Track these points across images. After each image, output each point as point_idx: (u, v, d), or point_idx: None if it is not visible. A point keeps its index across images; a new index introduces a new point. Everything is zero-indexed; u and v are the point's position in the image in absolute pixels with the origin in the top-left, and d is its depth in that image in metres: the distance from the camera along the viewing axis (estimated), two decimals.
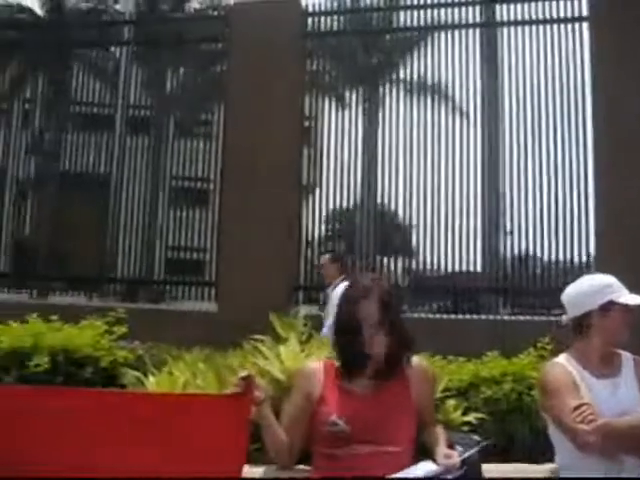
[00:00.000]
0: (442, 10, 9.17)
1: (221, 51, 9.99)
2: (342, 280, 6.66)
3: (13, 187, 10.66)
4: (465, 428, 3.19)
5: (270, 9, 9.01)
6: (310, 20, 9.41)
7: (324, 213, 9.48)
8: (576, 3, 8.58)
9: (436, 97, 9.34)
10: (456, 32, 9.13)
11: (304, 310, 7.66)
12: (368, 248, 9.38)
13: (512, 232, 8.81)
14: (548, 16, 8.74)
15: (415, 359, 2.79)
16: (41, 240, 10.50)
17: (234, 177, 8.89)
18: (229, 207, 8.92)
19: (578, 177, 8.41)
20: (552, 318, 7.70)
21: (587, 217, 8.29)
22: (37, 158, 10.92)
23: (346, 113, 9.50)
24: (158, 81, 10.75)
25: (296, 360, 3.08)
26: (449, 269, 8.97)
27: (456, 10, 9.11)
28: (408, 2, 9.33)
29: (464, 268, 8.96)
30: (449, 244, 8.83)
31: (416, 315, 8.36)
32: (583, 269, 8.16)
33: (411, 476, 2.49)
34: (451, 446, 2.65)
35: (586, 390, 2.74)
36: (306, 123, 9.42)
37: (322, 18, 9.48)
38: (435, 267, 9.06)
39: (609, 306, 2.82)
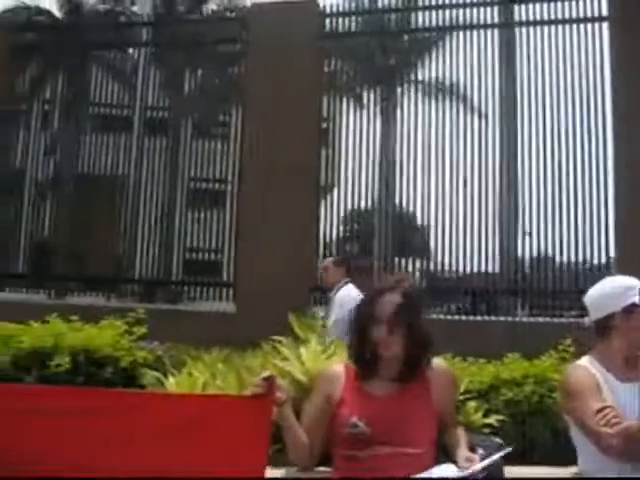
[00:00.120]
0: (460, 10, 9.14)
1: (238, 52, 10.00)
2: (345, 283, 6.65)
3: (32, 188, 10.72)
4: (486, 430, 3.16)
5: (288, 10, 9.02)
6: (328, 21, 9.41)
7: (341, 214, 9.47)
8: (595, 3, 8.53)
9: (454, 98, 9.32)
10: (474, 32, 9.09)
11: (322, 311, 7.64)
12: (386, 249, 9.37)
13: (531, 233, 8.76)
14: (567, 16, 8.69)
15: (436, 360, 2.76)
16: (59, 241, 10.56)
17: (252, 178, 8.90)
18: (247, 208, 8.94)
19: (598, 178, 8.36)
20: (571, 320, 7.67)
21: (607, 218, 8.23)
22: (55, 159, 10.97)
23: (364, 114, 9.48)
24: (176, 82, 10.78)
25: (317, 361, 3.06)
26: (467, 270, 8.93)
27: (474, 10, 9.08)
28: (426, 2, 9.30)
29: (482, 269, 8.91)
30: (467, 245, 8.79)
31: (434, 316, 8.33)
32: (603, 271, 8.09)
33: (434, 476, 2.47)
34: (472, 448, 2.63)
35: (609, 393, 2.71)
36: (324, 124, 9.41)
37: (340, 19, 9.48)
38: (452, 268, 9.03)
39: (632, 308, 2.79)
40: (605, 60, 8.40)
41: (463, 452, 2.57)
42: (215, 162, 10.32)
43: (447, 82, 9.36)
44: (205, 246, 10.14)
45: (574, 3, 8.64)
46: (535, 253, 8.83)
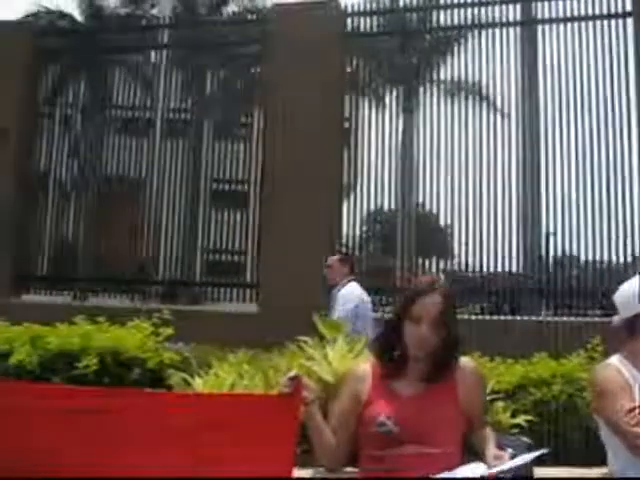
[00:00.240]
0: (482, 9, 9.10)
1: (260, 53, 10.02)
2: (349, 281, 6.65)
3: (55, 191, 10.80)
4: (514, 430, 3.14)
5: (309, 10, 9.03)
6: (349, 21, 9.41)
7: (364, 214, 9.46)
8: None
9: (475, 97, 9.27)
10: (496, 31, 9.05)
11: None
12: (409, 249, 9.34)
13: (555, 233, 8.70)
14: (590, 12, 8.62)
15: (463, 360, 2.75)
16: (82, 243, 10.63)
17: (274, 179, 8.92)
18: (269, 209, 8.95)
19: (622, 176, 8.29)
20: (596, 319, 7.62)
21: (632, 216, 8.17)
22: (79, 162, 11.05)
23: (385, 114, 9.46)
24: (197, 84, 10.81)
25: (344, 361, 3.06)
26: (490, 270, 8.88)
27: (496, 8, 9.04)
28: (447, 1, 9.27)
29: (505, 269, 8.86)
30: (491, 245, 8.75)
31: (457, 316, 8.26)
32: (628, 270, 8.02)
33: (459, 476, 2.46)
34: (501, 448, 2.61)
35: (639, 392, 2.69)
36: (346, 124, 9.40)
37: (361, 19, 9.48)
38: (474, 268, 8.98)
39: None
40: (630, 56, 8.32)
41: (492, 451, 2.55)
42: (237, 163, 10.33)
43: (469, 81, 9.31)
44: (228, 247, 10.16)
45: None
46: (560, 252, 8.77)
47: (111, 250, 10.57)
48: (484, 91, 9.25)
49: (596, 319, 7.70)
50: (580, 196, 8.49)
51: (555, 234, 8.67)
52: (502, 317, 8.51)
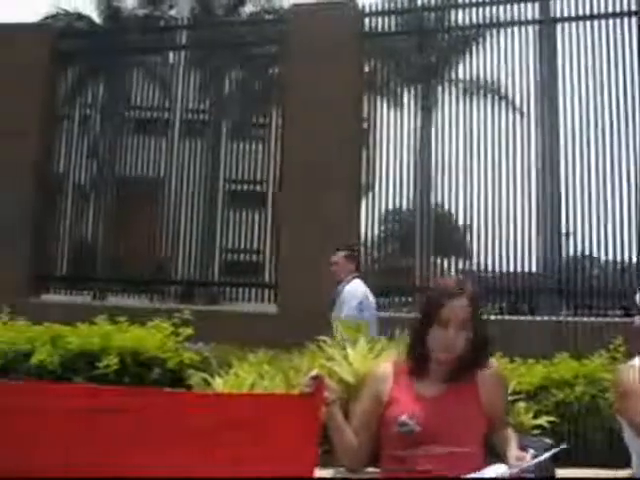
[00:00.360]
0: (500, 7, 9.07)
1: (277, 53, 10.03)
2: (353, 278, 6.64)
3: (74, 191, 10.87)
4: (536, 432, 3.12)
5: (326, 10, 9.03)
6: (367, 20, 9.40)
7: (381, 214, 9.45)
8: None
9: (493, 95, 9.23)
10: (514, 29, 9.01)
11: None
12: (428, 249, 9.32)
13: (573, 233, 8.65)
14: (610, 10, 8.56)
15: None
16: (101, 243, 10.69)
17: (292, 179, 8.93)
18: (288, 209, 8.96)
19: None
20: (617, 319, 7.57)
21: None
22: (97, 162, 11.11)
23: (403, 113, 9.44)
24: (214, 85, 10.84)
25: (365, 362, 3.05)
26: (508, 270, 8.84)
27: (514, 7, 9.00)
28: (466, 0, 9.23)
29: (524, 269, 8.82)
30: (510, 244, 8.70)
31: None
32: None
33: (484, 476, 2.45)
34: (523, 449, 2.60)
35: None
36: (363, 124, 9.39)
37: (379, 18, 9.46)
38: (493, 268, 8.94)
39: None
40: None
41: (513, 452, 2.55)
42: (255, 163, 10.34)
43: (487, 80, 9.27)
44: (246, 247, 10.17)
45: None
46: (579, 251, 8.71)
47: (130, 250, 10.62)
48: (502, 90, 9.21)
49: (617, 319, 7.65)
50: (600, 195, 8.43)
51: (575, 233, 8.61)
52: (521, 317, 8.46)
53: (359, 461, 2.72)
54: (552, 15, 8.97)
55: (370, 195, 9.36)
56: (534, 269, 8.86)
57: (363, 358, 3.18)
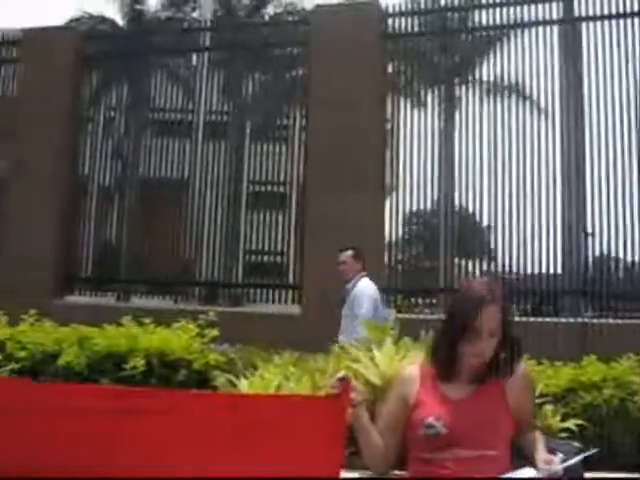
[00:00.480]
0: (523, 7, 9.02)
1: (300, 55, 10.04)
2: (361, 277, 6.63)
3: (98, 193, 10.95)
4: (564, 435, 3.10)
5: (349, 11, 9.04)
6: (390, 21, 9.39)
7: (405, 215, 9.43)
8: None
9: (517, 96, 9.19)
10: (539, 29, 8.95)
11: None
12: (452, 250, 9.30)
13: (598, 233, 8.57)
14: (636, 9, 8.48)
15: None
16: (124, 244, 10.76)
17: (315, 180, 8.93)
18: (311, 210, 8.97)
19: None
20: None
21: None
22: (121, 164, 11.20)
23: (427, 114, 9.41)
24: (237, 86, 10.87)
25: (391, 364, 3.04)
26: (532, 271, 8.78)
27: (539, 7, 8.94)
28: (489, 0, 9.20)
29: (548, 270, 8.76)
30: (535, 245, 8.64)
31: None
32: None
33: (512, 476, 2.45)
34: (551, 452, 2.59)
35: None
36: (387, 125, 9.38)
37: (402, 19, 9.45)
38: (518, 269, 8.88)
39: None
40: None
41: (542, 455, 2.54)
42: (279, 164, 10.36)
43: (511, 80, 9.22)
44: (269, 248, 10.19)
45: None
46: (605, 253, 8.64)
47: (153, 251, 10.68)
48: (526, 90, 9.16)
49: None
50: (626, 195, 8.36)
51: (601, 234, 8.53)
52: (546, 319, 8.40)
53: (385, 463, 2.72)
54: (576, 14, 8.90)
55: (394, 196, 9.34)
56: (559, 270, 8.78)
57: (389, 360, 3.17)
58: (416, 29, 9.59)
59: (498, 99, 9.24)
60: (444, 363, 2.67)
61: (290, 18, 13.51)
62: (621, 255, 8.51)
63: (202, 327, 5.27)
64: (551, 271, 8.75)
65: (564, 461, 2.52)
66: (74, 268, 10.54)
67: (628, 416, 3.66)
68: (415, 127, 9.32)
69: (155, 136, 10.95)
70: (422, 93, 9.81)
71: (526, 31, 9.04)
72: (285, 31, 10.56)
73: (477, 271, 9.44)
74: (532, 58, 8.96)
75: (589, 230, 8.66)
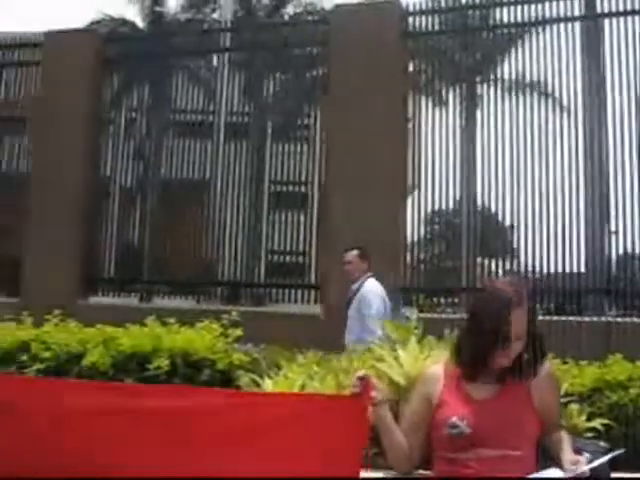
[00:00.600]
0: (545, 4, 8.96)
1: (320, 54, 10.04)
2: (367, 277, 6.61)
3: (120, 194, 11.02)
4: (589, 434, 3.08)
5: (370, 10, 9.02)
6: (411, 20, 9.37)
7: (426, 214, 9.40)
8: None
9: (538, 94, 9.13)
10: (560, 25, 8.89)
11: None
12: (474, 250, 9.26)
13: (622, 231, 8.50)
14: None
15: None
16: (147, 245, 10.82)
17: (337, 179, 8.93)
18: (332, 210, 8.96)
19: None
20: None
21: None
22: (142, 165, 11.26)
23: (448, 113, 9.38)
24: (257, 87, 10.89)
25: (416, 364, 3.04)
26: (555, 270, 8.72)
27: (560, 3, 8.88)
28: None
29: (572, 269, 8.69)
30: (559, 244, 8.58)
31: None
32: None
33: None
34: (578, 452, 2.57)
35: None
36: (408, 124, 9.36)
37: (422, 17, 9.42)
38: (540, 268, 8.83)
39: None
40: None
41: (568, 455, 2.53)
42: (300, 164, 10.37)
43: (532, 78, 9.16)
44: (291, 248, 10.21)
45: None
46: (629, 251, 8.56)
47: (176, 252, 10.73)
48: (548, 87, 9.10)
49: None
50: None
51: (624, 232, 8.45)
52: (570, 318, 8.33)
53: (409, 463, 2.72)
54: (598, 11, 8.82)
55: (415, 195, 9.31)
56: (582, 269, 8.72)
57: (414, 359, 3.17)
58: (437, 27, 9.56)
59: (520, 97, 9.18)
60: (468, 363, 2.66)
61: (310, 18, 13.54)
62: None
63: (225, 327, 5.29)
64: (574, 270, 8.68)
65: (590, 461, 2.50)
66: (97, 269, 10.61)
67: None
68: (436, 126, 9.29)
69: (176, 137, 11.00)
70: (443, 92, 9.77)
71: (547, 28, 8.98)
72: (305, 31, 10.56)
73: (500, 270, 9.40)
74: (554, 55, 8.89)
75: (612, 228, 8.59)
